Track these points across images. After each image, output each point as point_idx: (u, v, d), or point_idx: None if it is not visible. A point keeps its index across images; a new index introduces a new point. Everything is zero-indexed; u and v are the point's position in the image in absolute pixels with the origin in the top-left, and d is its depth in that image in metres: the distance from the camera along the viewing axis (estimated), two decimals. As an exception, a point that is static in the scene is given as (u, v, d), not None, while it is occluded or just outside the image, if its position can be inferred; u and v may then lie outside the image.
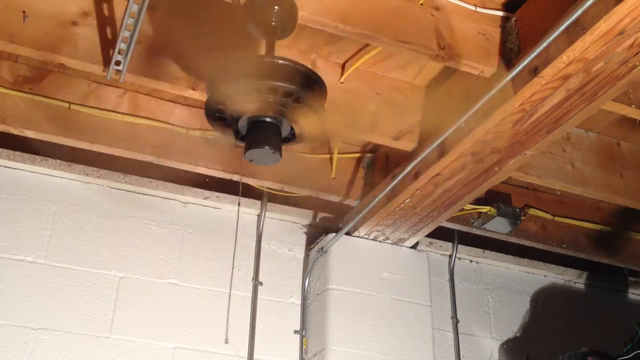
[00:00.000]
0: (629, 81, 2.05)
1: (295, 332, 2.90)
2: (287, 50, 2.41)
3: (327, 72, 2.46)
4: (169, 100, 2.73)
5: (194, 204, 2.97)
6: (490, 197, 3.01)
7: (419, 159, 2.44)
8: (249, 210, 3.00)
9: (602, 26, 1.84)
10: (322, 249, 2.92)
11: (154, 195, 2.92)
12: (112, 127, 2.65)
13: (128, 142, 2.66)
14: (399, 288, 2.93)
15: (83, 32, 2.24)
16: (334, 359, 2.71)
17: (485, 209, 3.01)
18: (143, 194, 2.91)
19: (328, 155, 2.92)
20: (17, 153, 2.73)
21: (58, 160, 2.78)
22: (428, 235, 3.01)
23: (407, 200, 2.66)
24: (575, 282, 3.53)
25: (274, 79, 1.89)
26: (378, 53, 2.43)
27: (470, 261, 3.37)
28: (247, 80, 1.90)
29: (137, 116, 2.68)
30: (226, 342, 2.75)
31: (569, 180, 2.80)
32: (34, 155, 2.75)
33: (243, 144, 2.01)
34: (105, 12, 2.25)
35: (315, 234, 3.05)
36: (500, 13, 2.26)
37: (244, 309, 2.84)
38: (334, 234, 2.90)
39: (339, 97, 2.48)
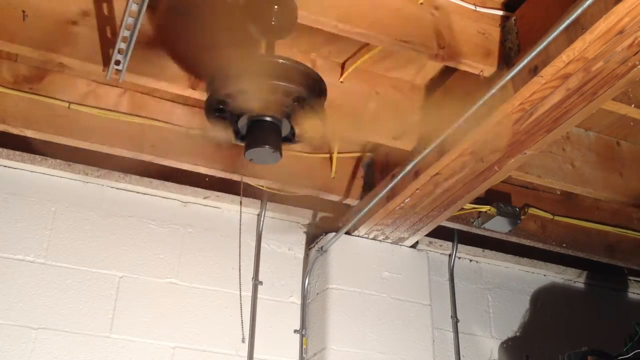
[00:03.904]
0: (628, 80, 2.05)
1: (295, 331, 2.91)
2: (287, 50, 2.41)
3: (327, 72, 2.46)
4: (169, 100, 2.73)
5: (194, 203, 2.97)
6: (490, 197, 3.01)
7: (418, 159, 2.44)
8: (248, 209, 3.00)
9: (602, 25, 1.84)
10: (322, 248, 2.92)
11: (154, 195, 2.92)
12: (111, 127, 2.65)
13: (128, 142, 2.66)
14: (399, 287, 2.93)
15: (83, 31, 2.23)
16: (334, 359, 2.71)
17: (485, 208, 3.01)
18: (143, 193, 2.91)
19: (328, 155, 2.92)
20: (17, 153, 2.73)
21: (58, 160, 2.78)
22: (428, 235, 3.01)
23: (406, 200, 2.66)
24: (575, 282, 3.53)
25: (275, 78, 1.89)
26: (378, 52, 2.43)
27: (470, 260, 3.37)
28: (247, 80, 1.90)
29: (136, 115, 2.68)
30: (243, 342, 2.77)
31: (568, 180, 2.80)
32: (34, 155, 2.75)
33: (243, 144, 2.01)
34: (105, 11, 2.25)
35: (315, 234, 3.05)
36: (500, 12, 2.26)
37: (244, 309, 2.84)
38: (333, 233, 2.89)
39: (339, 96, 2.48)
